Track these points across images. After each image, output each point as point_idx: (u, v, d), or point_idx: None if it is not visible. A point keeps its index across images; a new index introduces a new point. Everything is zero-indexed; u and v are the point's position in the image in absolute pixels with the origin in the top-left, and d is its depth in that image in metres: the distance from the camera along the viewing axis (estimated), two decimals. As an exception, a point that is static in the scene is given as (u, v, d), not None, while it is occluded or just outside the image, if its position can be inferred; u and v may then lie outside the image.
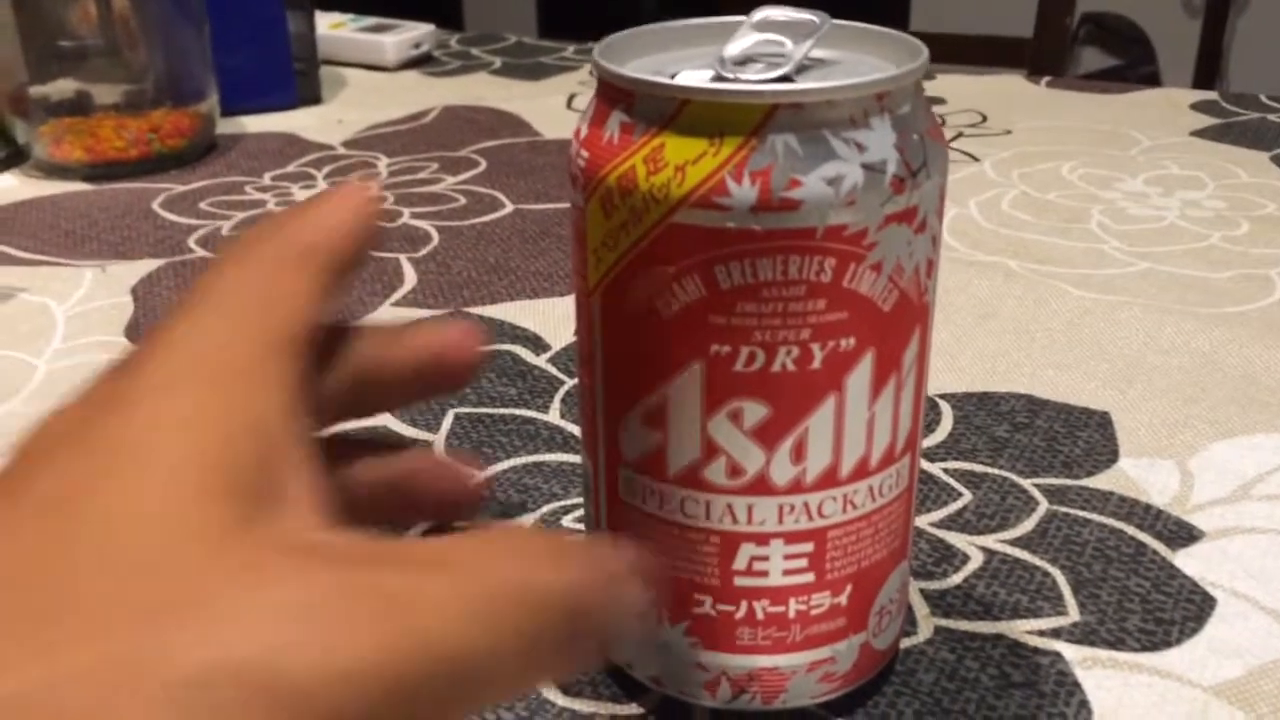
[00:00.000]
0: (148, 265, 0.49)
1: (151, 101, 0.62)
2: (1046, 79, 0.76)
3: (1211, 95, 0.71)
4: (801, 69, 0.22)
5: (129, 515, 0.15)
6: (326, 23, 0.80)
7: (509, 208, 0.55)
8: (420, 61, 0.81)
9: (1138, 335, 0.42)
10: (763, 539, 0.23)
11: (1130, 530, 0.32)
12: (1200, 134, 0.64)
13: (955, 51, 1.14)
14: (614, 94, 0.22)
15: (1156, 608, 0.29)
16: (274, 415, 0.17)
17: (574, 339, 0.26)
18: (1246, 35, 2.00)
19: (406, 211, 0.55)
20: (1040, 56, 1.01)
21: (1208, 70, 1.97)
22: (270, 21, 0.71)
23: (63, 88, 0.63)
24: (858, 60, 0.23)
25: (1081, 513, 0.32)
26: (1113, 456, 0.35)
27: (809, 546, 0.23)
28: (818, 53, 0.24)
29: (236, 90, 0.69)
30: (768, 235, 0.20)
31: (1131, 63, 1.99)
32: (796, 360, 0.21)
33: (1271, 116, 0.67)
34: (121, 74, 0.64)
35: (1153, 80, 1.99)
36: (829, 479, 0.23)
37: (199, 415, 0.17)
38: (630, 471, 0.24)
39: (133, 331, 0.43)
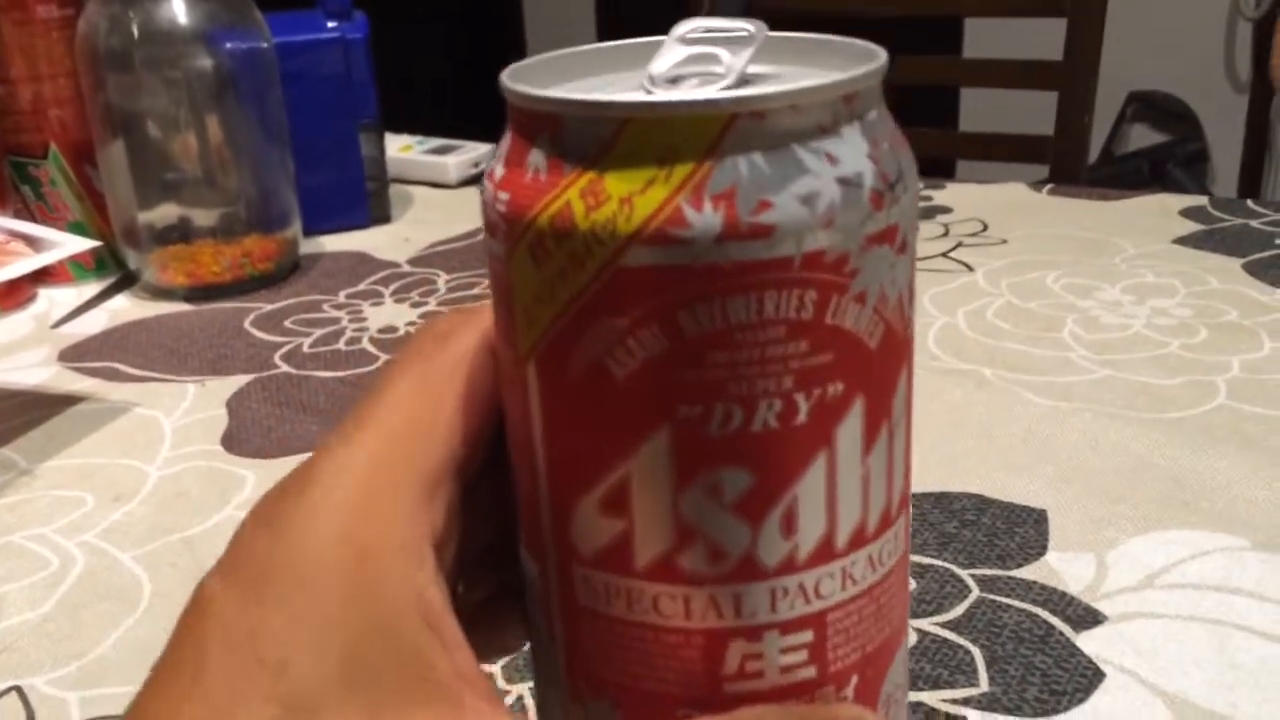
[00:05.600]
0: (240, 380, 0.58)
1: (244, 225, 0.72)
2: (1049, 186, 0.82)
3: (1201, 201, 0.77)
4: (744, 83, 0.20)
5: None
6: (396, 146, 0.89)
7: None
8: (479, 178, 0.90)
9: (1083, 439, 0.48)
10: (754, 633, 0.20)
11: (1044, 615, 0.38)
12: (1182, 241, 0.70)
13: (988, 149, 1.21)
14: (534, 123, 0.19)
15: (1054, 681, 0.35)
16: (422, 593, 0.19)
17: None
18: (1295, 109, 2.03)
19: (460, 327, 0.63)
20: (1060, 153, 1.08)
21: (1256, 144, 2.00)
22: (346, 147, 0.80)
23: (166, 213, 0.72)
24: (802, 73, 0.21)
25: (1006, 599, 0.39)
26: (1042, 550, 0.41)
27: (808, 636, 0.20)
28: (755, 68, 0.21)
29: (316, 211, 0.77)
30: (737, 269, 0.18)
31: (1179, 139, 2.03)
32: (780, 415, 0.19)
33: (1254, 223, 0.73)
34: (217, 199, 0.73)
35: (1201, 156, 2.03)
36: (825, 552, 0.20)
37: (342, 612, 0.19)
38: (588, 570, 0.21)
39: (228, 441, 0.51)
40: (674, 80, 0.20)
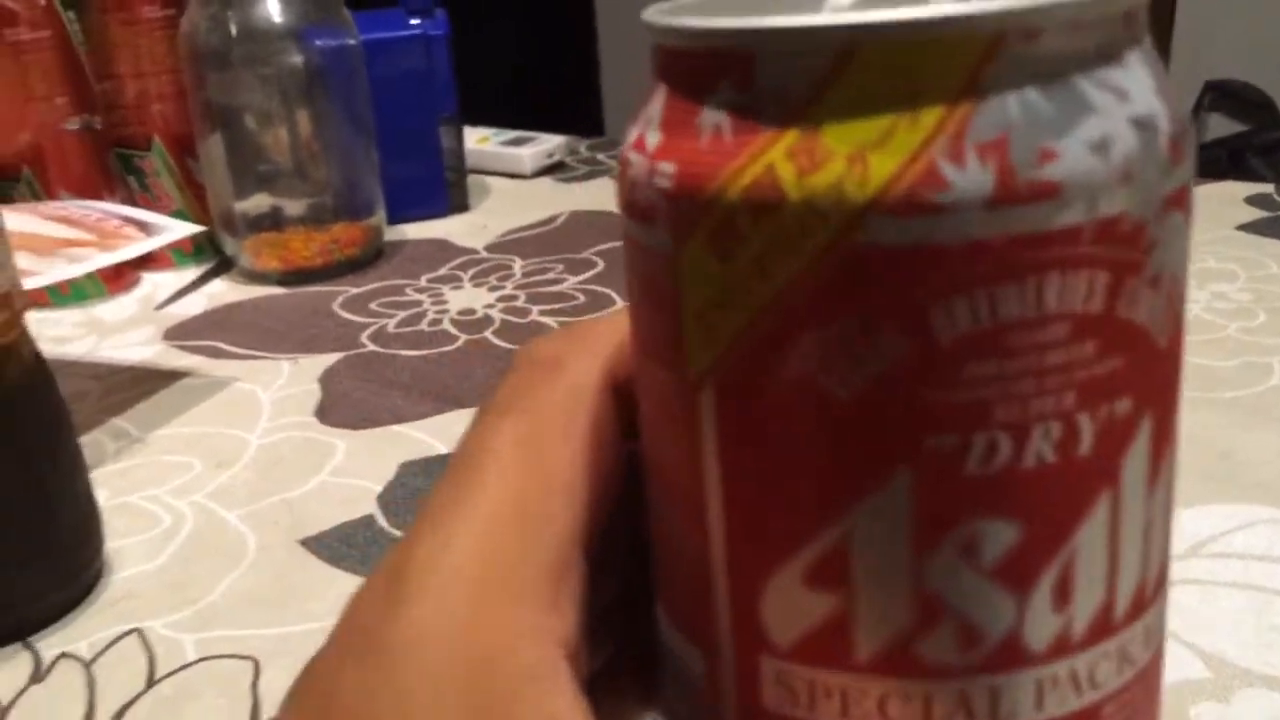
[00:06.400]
0: (330, 358, 0.61)
1: (332, 213, 0.76)
2: (1114, 174, 0.83)
3: (1267, 189, 0.77)
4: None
5: None
6: (474, 138, 0.93)
7: (620, 305, 0.66)
8: (553, 169, 0.93)
9: (1137, 417, 0.50)
10: None
11: (1090, 579, 0.40)
12: (1245, 228, 0.71)
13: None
14: (708, 67, 0.14)
15: (1096, 639, 0.37)
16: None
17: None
18: (1380, 97, 1.99)
19: (535, 309, 0.66)
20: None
21: (1339, 133, 1.96)
22: (427, 139, 0.84)
23: (259, 202, 0.77)
24: None
25: (1054, 565, 0.41)
26: (1091, 520, 0.43)
27: None
28: None
29: (399, 200, 0.81)
30: (1013, 245, 0.13)
31: (1257, 128, 2.00)
32: (1059, 444, 0.14)
33: (1319, 209, 0.73)
34: (307, 189, 0.77)
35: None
36: (1102, 626, 0.16)
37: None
38: (783, 663, 0.16)
39: (321, 413, 0.55)
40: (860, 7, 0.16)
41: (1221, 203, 0.76)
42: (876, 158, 0.13)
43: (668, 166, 0.15)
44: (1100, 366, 0.14)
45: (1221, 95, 2.04)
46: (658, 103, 0.15)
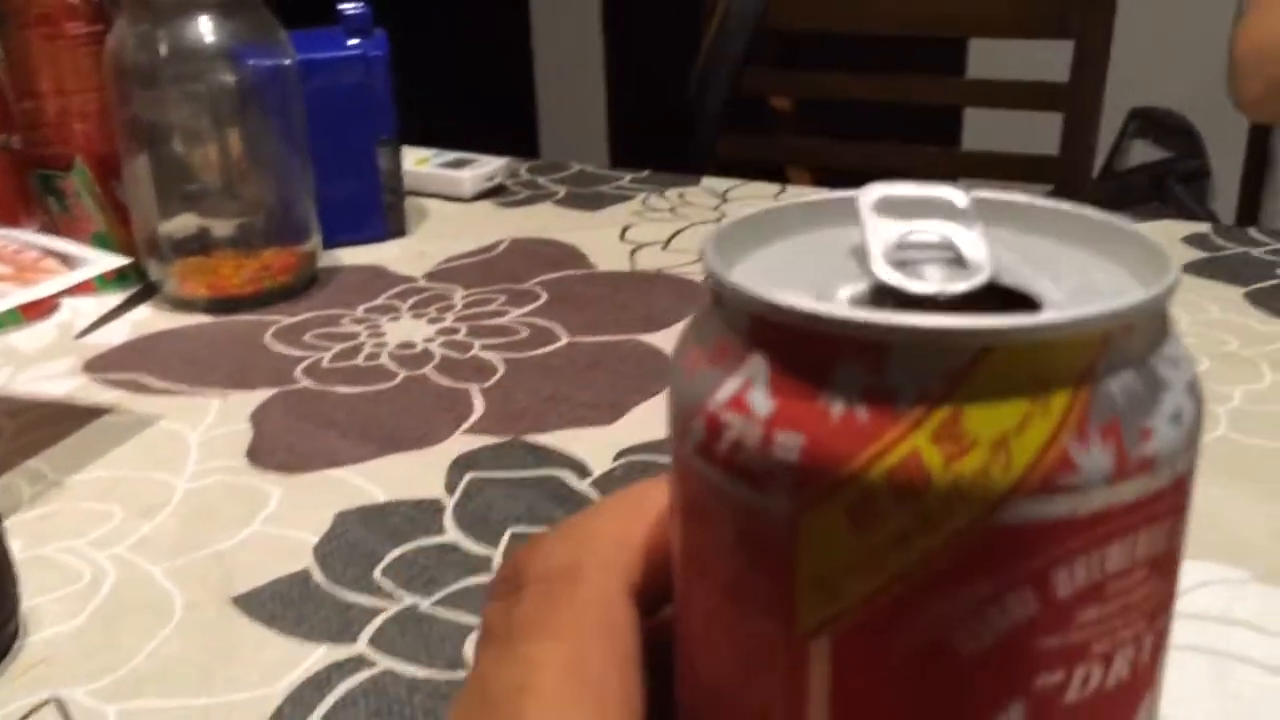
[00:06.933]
0: (262, 395, 0.59)
1: (263, 236, 0.73)
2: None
3: (1204, 229, 0.78)
4: (996, 274, 0.17)
5: None
6: (412, 159, 0.91)
7: (564, 340, 0.65)
8: (493, 192, 0.91)
9: (1089, 469, 0.49)
10: None
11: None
12: (1184, 268, 0.71)
13: (991, 169, 1.22)
14: (827, 347, 0.15)
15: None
16: None
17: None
18: (1296, 128, 2.04)
19: (477, 344, 0.64)
20: (1063, 174, 1.09)
21: (1258, 159, 2.02)
22: (364, 161, 0.81)
23: (186, 223, 0.74)
24: (1023, 247, 0.18)
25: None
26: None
27: None
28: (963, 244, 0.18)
29: (334, 224, 0.79)
30: (1123, 513, 0.15)
31: (1180, 156, 2.05)
32: (1132, 662, 0.17)
33: (1255, 251, 0.74)
34: (236, 209, 0.74)
35: (1202, 172, 2.04)
36: None
37: None
38: None
39: (253, 455, 0.52)
40: (902, 264, 0.17)
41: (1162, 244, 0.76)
42: (1018, 444, 0.15)
43: (793, 439, 0.15)
44: (1159, 591, 0.17)
45: (1146, 122, 2.09)
46: (758, 364, 0.16)
